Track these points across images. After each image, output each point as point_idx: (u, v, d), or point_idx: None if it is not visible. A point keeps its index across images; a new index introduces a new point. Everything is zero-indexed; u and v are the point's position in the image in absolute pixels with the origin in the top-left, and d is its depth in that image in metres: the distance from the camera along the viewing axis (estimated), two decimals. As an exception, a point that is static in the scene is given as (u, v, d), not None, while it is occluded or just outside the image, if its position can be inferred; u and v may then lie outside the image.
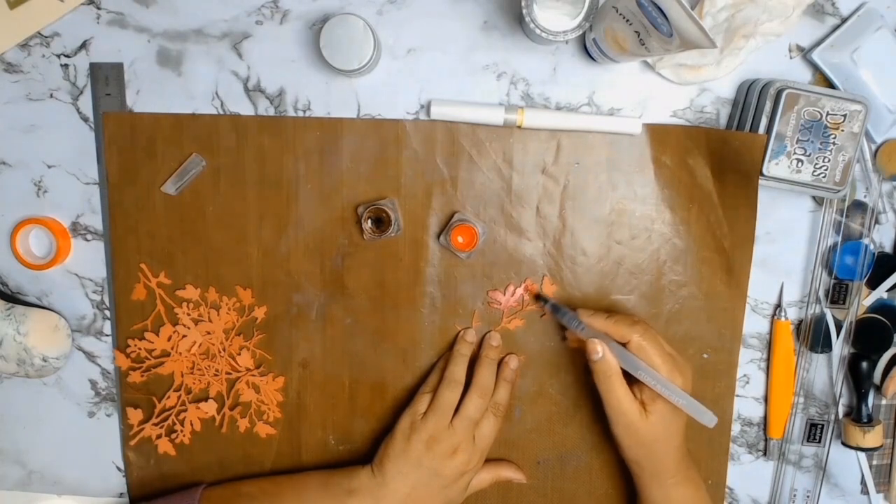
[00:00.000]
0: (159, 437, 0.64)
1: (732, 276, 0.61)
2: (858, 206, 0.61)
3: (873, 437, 0.62)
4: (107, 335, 0.64)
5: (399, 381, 0.63)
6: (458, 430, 0.57)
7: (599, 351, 0.53)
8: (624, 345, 0.53)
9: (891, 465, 0.65)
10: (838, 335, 0.62)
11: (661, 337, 0.55)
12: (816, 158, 0.56)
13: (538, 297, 0.61)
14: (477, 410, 0.58)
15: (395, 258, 0.61)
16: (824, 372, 0.64)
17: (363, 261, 0.61)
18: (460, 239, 0.59)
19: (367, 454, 0.63)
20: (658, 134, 0.59)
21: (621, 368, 0.53)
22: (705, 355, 0.63)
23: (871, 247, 0.61)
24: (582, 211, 0.61)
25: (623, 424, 0.54)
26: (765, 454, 0.65)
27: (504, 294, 0.62)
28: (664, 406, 0.53)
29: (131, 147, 0.60)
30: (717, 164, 0.59)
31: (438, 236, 0.60)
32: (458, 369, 0.59)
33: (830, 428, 0.64)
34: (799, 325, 0.63)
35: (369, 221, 0.58)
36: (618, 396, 0.53)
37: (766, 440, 0.65)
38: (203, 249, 0.61)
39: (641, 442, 0.54)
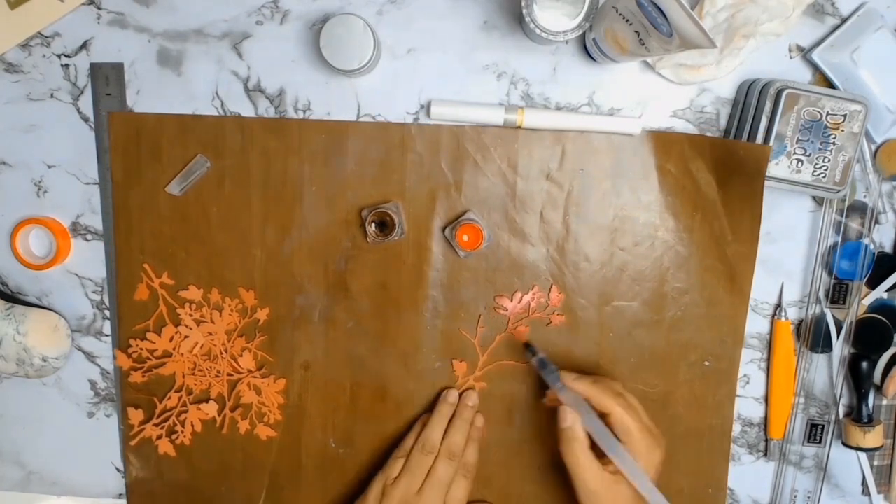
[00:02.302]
0: (160, 437, 0.64)
1: (735, 284, 0.61)
2: (858, 206, 0.61)
3: (874, 437, 0.62)
4: (106, 335, 0.64)
5: (400, 385, 0.63)
6: (427, 495, 0.56)
7: (568, 420, 0.53)
8: (605, 415, 0.53)
9: (891, 465, 0.65)
10: (838, 335, 0.62)
11: (641, 408, 0.55)
12: (816, 158, 0.56)
13: (527, 346, 0.60)
14: (447, 474, 0.57)
15: (399, 262, 0.61)
16: (824, 372, 0.64)
17: (366, 264, 0.61)
18: (465, 237, 0.59)
19: (367, 457, 0.63)
20: (662, 141, 0.59)
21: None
22: (706, 363, 0.63)
23: (871, 247, 0.61)
24: (586, 217, 0.61)
25: (585, 492, 0.53)
26: (765, 455, 0.65)
27: (511, 300, 0.61)
28: (629, 484, 0.52)
29: (136, 147, 0.60)
30: (722, 172, 0.59)
31: (444, 229, 0.60)
32: (434, 435, 0.59)
33: (831, 428, 0.64)
34: (799, 326, 0.63)
35: (373, 225, 0.58)
36: (580, 465, 0.53)
37: (766, 441, 0.65)
38: (206, 250, 0.61)
39: None
